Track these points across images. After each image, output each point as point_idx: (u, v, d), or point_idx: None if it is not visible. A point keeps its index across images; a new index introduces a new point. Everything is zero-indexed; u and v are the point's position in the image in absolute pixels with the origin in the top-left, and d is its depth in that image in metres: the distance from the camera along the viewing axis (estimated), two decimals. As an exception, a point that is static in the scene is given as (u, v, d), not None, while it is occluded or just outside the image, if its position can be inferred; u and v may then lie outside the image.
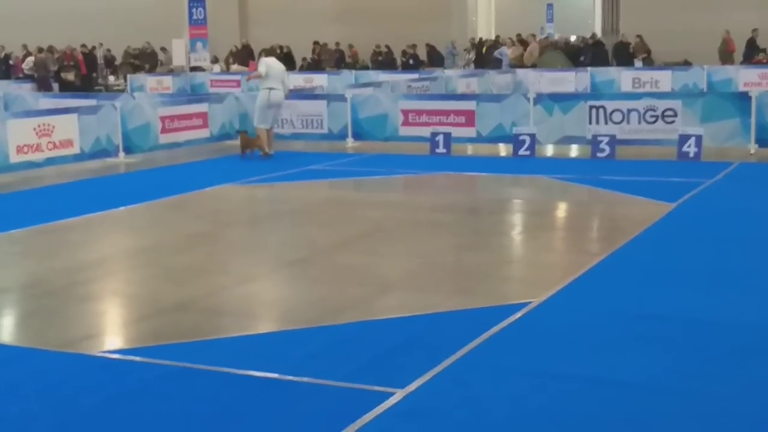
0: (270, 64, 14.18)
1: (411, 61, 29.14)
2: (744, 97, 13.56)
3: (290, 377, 4.93)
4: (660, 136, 13.65)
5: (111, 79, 31.41)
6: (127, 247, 8.58)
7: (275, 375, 4.97)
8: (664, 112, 13.63)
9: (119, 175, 13.21)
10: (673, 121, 13.55)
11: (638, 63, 26.60)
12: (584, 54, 28.23)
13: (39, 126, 12.86)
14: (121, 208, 10.20)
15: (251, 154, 14.20)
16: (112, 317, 6.47)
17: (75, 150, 13.40)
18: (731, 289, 6.51)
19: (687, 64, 25.45)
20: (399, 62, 30.10)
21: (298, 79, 25.12)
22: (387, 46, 30.47)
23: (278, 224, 9.81)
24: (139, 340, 5.77)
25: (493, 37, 34.01)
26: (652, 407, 4.47)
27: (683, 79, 22.60)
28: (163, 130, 14.81)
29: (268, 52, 16.48)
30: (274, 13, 33.30)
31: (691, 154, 13.01)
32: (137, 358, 5.30)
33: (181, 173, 13.15)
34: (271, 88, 13.92)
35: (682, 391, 4.68)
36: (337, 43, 31.44)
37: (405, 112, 15.13)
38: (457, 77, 21.86)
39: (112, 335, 6.05)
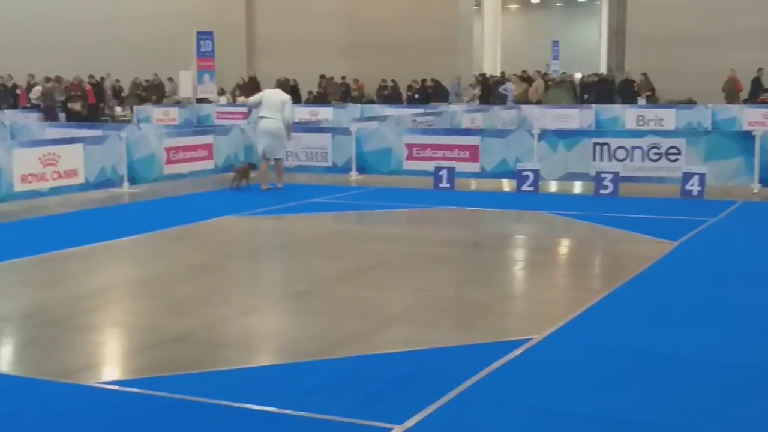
0: (265, 94, 14.36)
1: (416, 96, 29.29)
2: (748, 137, 13.59)
3: (289, 411, 4.90)
4: (663, 173, 13.67)
5: (118, 109, 31.60)
6: (129, 277, 8.58)
7: (274, 409, 4.94)
8: (668, 150, 13.66)
9: (123, 205, 13.25)
10: (676, 159, 13.57)
11: (642, 101, 26.70)
12: (589, 91, 28.38)
13: (44, 155, 12.92)
14: (124, 239, 10.21)
15: (238, 185, 14.31)
16: (112, 348, 6.45)
17: (80, 180, 13.44)
18: (733, 328, 6.49)
19: (691, 102, 25.55)
20: (405, 96, 30.25)
21: (303, 112, 25.23)
22: (393, 81, 30.64)
23: (281, 256, 9.81)
24: (138, 371, 5.75)
25: (498, 73, 34.21)
26: (652, 447, 4.43)
27: (687, 117, 22.67)
28: (168, 161, 14.86)
29: (281, 83, 16.39)
30: (282, 46, 33.54)
31: (695, 193, 13.02)
32: (136, 390, 5.28)
33: (184, 204, 13.17)
34: (263, 117, 13.98)
35: (684, 431, 4.64)
36: (343, 77, 31.62)
37: (409, 146, 15.17)
38: (461, 112, 21.95)
39: (112, 366, 6.03)
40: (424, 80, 29.42)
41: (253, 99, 14.60)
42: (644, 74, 27.87)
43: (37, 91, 27.53)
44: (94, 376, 5.64)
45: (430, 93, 29.12)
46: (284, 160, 14.52)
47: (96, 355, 6.20)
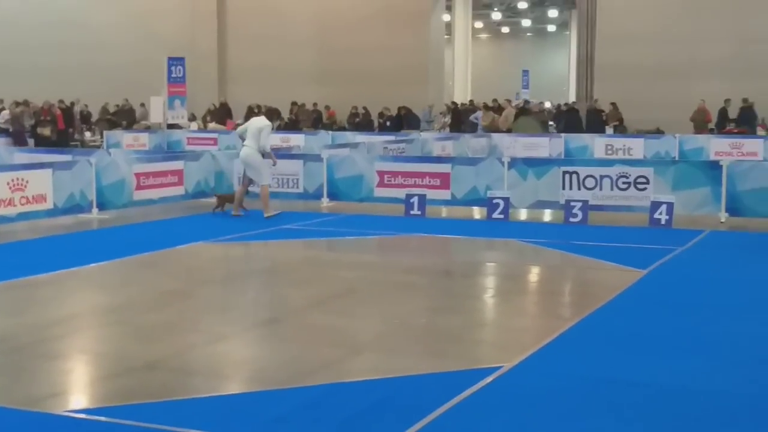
0: (249, 122, 14.38)
1: (388, 123, 29.41)
2: (715, 166, 13.77)
3: (259, 439, 4.87)
4: (632, 202, 13.80)
5: (87, 135, 31.42)
6: (98, 304, 8.50)
7: (244, 437, 4.91)
8: (636, 179, 13.81)
9: (92, 231, 13.14)
10: (645, 188, 13.72)
11: (610, 130, 27.00)
12: (558, 120, 28.66)
13: (12, 180, 12.81)
14: (93, 265, 10.12)
15: (221, 210, 14.33)
16: (80, 375, 6.38)
17: (48, 205, 13.33)
18: (701, 356, 6.54)
19: (659, 132, 25.86)
20: (376, 124, 30.36)
21: (275, 139, 25.20)
22: (364, 108, 30.76)
23: (251, 283, 9.77)
24: (106, 400, 5.69)
25: (467, 101, 34.46)
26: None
27: (655, 147, 22.95)
28: (138, 187, 14.79)
29: (269, 111, 16.09)
30: (253, 73, 33.59)
31: (663, 221, 13.16)
32: (103, 418, 5.22)
33: (154, 230, 13.10)
34: (243, 145, 14.00)
35: (652, 459, 4.67)
36: (315, 104, 31.70)
37: (381, 174, 15.22)
38: (432, 140, 22.07)
39: (79, 394, 5.96)
40: (400, 108, 29.55)
41: (240, 128, 14.67)
42: (612, 104, 28.20)
43: (5, 115, 27.30)
44: (61, 404, 5.57)
45: (402, 120, 29.26)
46: (268, 187, 14.13)
47: (64, 382, 6.13)
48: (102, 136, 28.38)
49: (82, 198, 13.90)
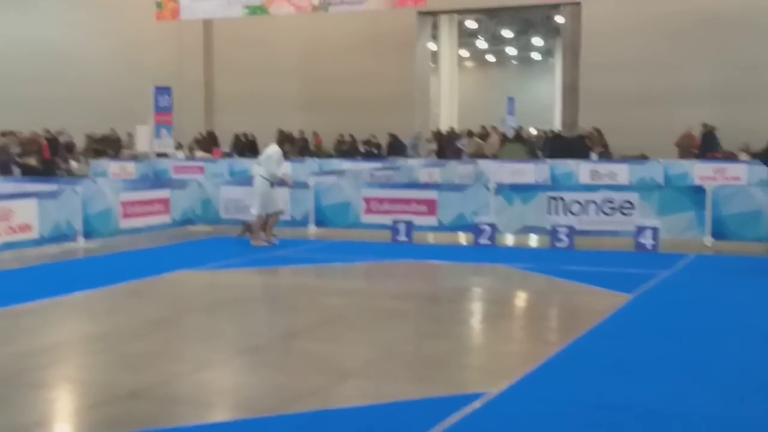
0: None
1: (375, 151, 29.47)
2: (699, 191, 13.86)
3: (245, 467, 4.84)
4: (617, 227, 13.87)
5: (74, 164, 31.35)
6: (83, 333, 8.45)
7: (230, 465, 4.87)
8: (621, 204, 13.88)
9: (78, 260, 13.09)
10: (630, 213, 13.79)
11: (594, 156, 27.13)
12: (544, 147, 28.79)
13: (-2, 210, 12.76)
14: (79, 294, 10.07)
15: (242, 236, 14.39)
16: (65, 404, 6.33)
17: (34, 235, 13.28)
18: (688, 380, 6.55)
19: (644, 157, 26.01)
20: (363, 151, 30.42)
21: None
22: (351, 135, 30.84)
23: (238, 311, 9.73)
24: (91, 428, 5.64)
25: (452, 128, 34.61)
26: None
27: (640, 172, 23.06)
28: (124, 216, 14.76)
29: (281, 137, 15.93)
30: (240, 101, 33.65)
31: (648, 246, 13.21)
32: (88, 447, 5.18)
33: (140, 259, 13.05)
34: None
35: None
36: (302, 131, 31.77)
37: (367, 200, 15.25)
38: (419, 167, 22.12)
39: (64, 423, 5.91)
40: (392, 135, 29.65)
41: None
42: (597, 130, 28.35)
43: (-10, 145, 27.24)
44: (45, 433, 5.52)
45: (389, 148, 29.34)
46: (277, 215, 14.12)
47: (48, 411, 6.08)
48: (88, 165, 28.34)
49: (68, 227, 13.86)
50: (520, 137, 30.30)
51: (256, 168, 14.20)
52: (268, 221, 14.07)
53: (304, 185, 15.88)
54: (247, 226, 14.42)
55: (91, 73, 34.98)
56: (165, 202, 15.57)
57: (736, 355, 7.30)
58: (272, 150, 14.16)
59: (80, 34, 35.78)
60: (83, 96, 34.54)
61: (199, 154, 30.74)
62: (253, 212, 14.00)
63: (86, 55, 35.41)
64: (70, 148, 32.43)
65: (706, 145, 26.33)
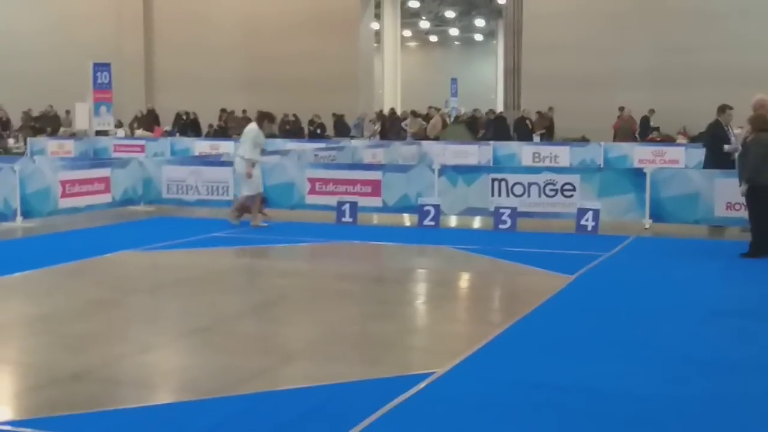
0: None
1: (318, 131, 29.37)
2: (639, 174, 14.07)
3: (191, 449, 4.82)
4: (559, 209, 14.03)
5: (11, 142, 30.69)
6: (22, 314, 8.31)
7: (175, 447, 4.85)
8: (563, 186, 14.04)
9: (16, 240, 12.83)
10: (572, 195, 13.95)
11: (536, 138, 27.39)
12: (486, 128, 28.96)
13: (-68, 188, 12.45)
14: (17, 274, 9.89)
15: (238, 218, 13.97)
16: (4, 386, 6.22)
17: (-31, 213, 12.99)
18: (627, 360, 6.68)
19: (584, 140, 26.33)
20: (306, 131, 30.29)
21: (203, 146, 25.05)
22: (294, 115, 30.66)
23: (180, 292, 9.65)
24: (32, 411, 5.56)
25: (399, 110, 34.64)
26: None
27: (581, 154, 23.35)
28: (64, 195, 14.50)
29: (260, 115, 14.69)
30: (181, 79, 33.21)
31: (589, 228, 13.40)
32: (29, 431, 5.10)
33: (81, 239, 12.85)
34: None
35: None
36: (244, 111, 31.48)
37: (312, 181, 15.19)
38: (363, 147, 22.10)
39: (5, 405, 5.81)
40: (336, 114, 29.53)
41: None
42: (539, 112, 28.61)
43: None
44: (-15, 417, 5.42)
45: (333, 128, 29.27)
46: (251, 195, 13.64)
47: (-13, 395, 5.97)
48: (25, 143, 27.76)
49: (5, 206, 13.57)
50: (463, 119, 30.43)
51: (239, 149, 13.85)
52: (243, 202, 13.82)
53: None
54: (243, 207, 14.09)
55: (26, 48, 34.18)
56: (105, 181, 15.33)
57: (673, 335, 7.46)
58: (248, 129, 13.92)
59: (14, 10, 34.91)
60: (18, 72, 33.75)
61: (140, 132, 30.31)
62: (245, 193, 13.78)
63: (21, 32, 34.56)
64: (5, 125, 31.73)
65: (643, 130, 26.82)
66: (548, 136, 27.82)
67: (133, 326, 7.87)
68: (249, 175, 13.54)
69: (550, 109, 28.28)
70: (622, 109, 26.68)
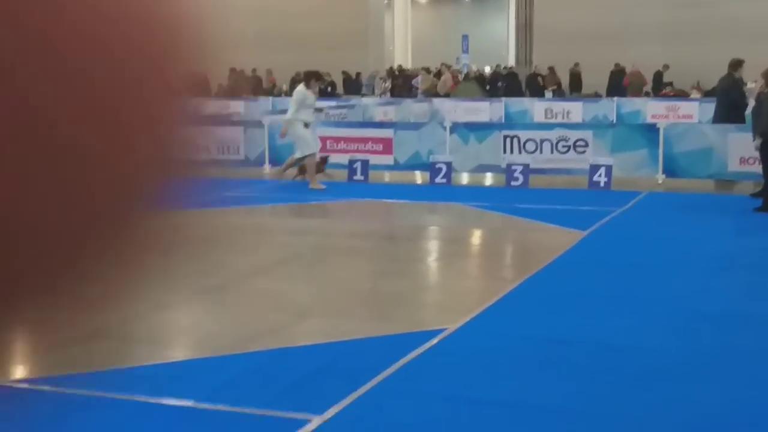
0: None
1: (329, 89, 29.25)
2: (652, 129, 14.00)
3: (206, 405, 4.88)
4: (572, 165, 13.99)
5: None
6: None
7: (190, 403, 4.91)
8: (575, 142, 13.98)
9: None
10: (584, 152, 13.90)
11: (548, 94, 27.25)
12: (500, 82, 28.82)
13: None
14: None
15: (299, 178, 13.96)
16: (21, 345, 6.28)
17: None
18: (638, 314, 6.70)
19: (597, 96, 26.17)
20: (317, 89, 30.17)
21: (213, 105, 24.89)
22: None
23: (192, 251, 9.69)
24: (49, 369, 5.62)
25: (409, 66, 34.48)
26: (565, 430, 4.56)
27: (594, 110, 23.23)
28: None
29: (306, 74, 14.32)
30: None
31: (602, 184, 13.36)
32: (47, 388, 5.17)
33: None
34: None
35: (593, 414, 4.79)
36: (254, 69, 31.35)
37: (323, 139, 15.17)
38: (374, 105, 22.03)
39: (21, 364, 5.88)
40: (346, 73, 29.40)
41: None
42: (551, 68, 28.43)
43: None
44: (3, 374, 5.49)
45: (344, 86, 29.19)
46: (304, 157, 13.50)
47: (4, 352, 6.03)
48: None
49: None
50: (474, 76, 30.27)
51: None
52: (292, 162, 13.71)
53: (258, 124, 15.74)
54: (301, 168, 13.91)
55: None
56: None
57: (684, 289, 7.47)
58: (295, 90, 13.76)
59: None
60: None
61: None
62: (296, 156, 13.60)
63: None
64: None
65: (656, 85, 26.64)
66: (561, 92, 27.68)
67: (147, 285, 7.92)
68: (282, 135, 13.70)
69: (577, 64, 28.04)
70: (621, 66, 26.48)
